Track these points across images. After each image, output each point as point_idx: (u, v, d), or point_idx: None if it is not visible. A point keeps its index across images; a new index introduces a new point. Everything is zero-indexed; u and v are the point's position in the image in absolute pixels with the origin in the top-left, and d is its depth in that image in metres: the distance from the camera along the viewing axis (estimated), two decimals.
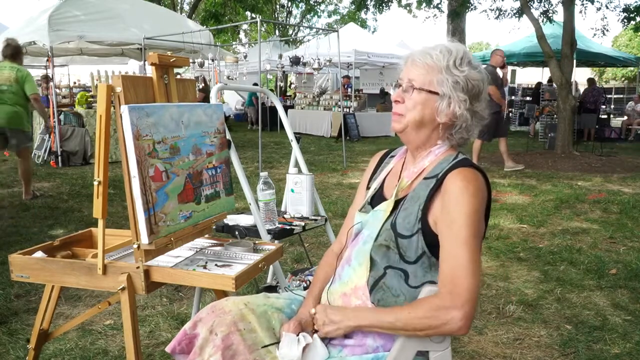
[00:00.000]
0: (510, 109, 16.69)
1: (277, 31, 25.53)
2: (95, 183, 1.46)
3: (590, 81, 14.27)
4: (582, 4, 12.26)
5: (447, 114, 1.31)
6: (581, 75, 19.74)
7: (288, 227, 2.23)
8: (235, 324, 1.29)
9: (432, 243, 1.27)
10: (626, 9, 12.68)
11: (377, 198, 1.44)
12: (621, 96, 19.97)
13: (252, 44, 19.34)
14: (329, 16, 27.55)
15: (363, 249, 1.35)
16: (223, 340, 1.26)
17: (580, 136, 11.99)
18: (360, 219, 1.43)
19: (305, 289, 2.15)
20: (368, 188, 1.52)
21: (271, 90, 19.39)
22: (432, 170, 1.34)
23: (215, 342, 1.26)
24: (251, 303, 1.38)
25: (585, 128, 12.22)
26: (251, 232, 2.17)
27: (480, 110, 1.35)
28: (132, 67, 13.30)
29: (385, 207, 1.36)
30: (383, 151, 1.60)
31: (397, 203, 1.34)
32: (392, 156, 1.54)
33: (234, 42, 23.88)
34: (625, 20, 12.92)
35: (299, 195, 2.40)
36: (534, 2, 12.34)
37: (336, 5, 27.32)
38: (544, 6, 12.24)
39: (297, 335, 1.31)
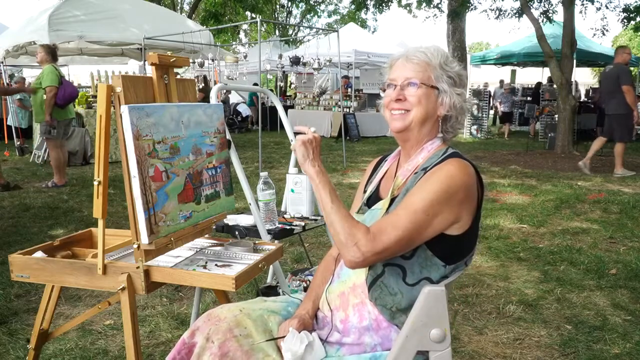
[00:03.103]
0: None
1: (277, 31, 25.53)
2: (95, 183, 1.46)
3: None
4: (582, 4, 12.27)
5: (447, 107, 1.37)
6: (581, 75, 19.71)
7: (288, 227, 2.23)
8: (230, 331, 1.30)
9: None
10: (626, 9, 12.69)
11: (374, 199, 1.46)
12: None
13: (252, 44, 19.33)
14: (329, 16, 27.56)
15: None
16: (220, 348, 1.26)
17: (595, 135, 12.06)
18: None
19: (305, 289, 2.16)
20: (365, 192, 1.54)
21: (271, 90, 19.38)
22: (423, 164, 1.37)
23: (212, 350, 1.27)
24: (246, 308, 1.39)
25: (599, 127, 12.29)
26: (251, 232, 2.17)
27: (467, 102, 1.42)
28: (132, 67, 13.28)
29: (381, 206, 1.38)
30: (378, 157, 1.63)
31: (393, 201, 1.37)
32: (386, 160, 1.57)
33: (234, 42, 23.88)
34: (625, 20, 12.94)
35: (299, 195, 2.40)
36: (534, 2, 12.35)
37: (336, 5, 27.33)
38: (544, 6, 12.26)
39: (300, 332, 1.32)
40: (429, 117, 1.38)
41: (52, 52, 6.11)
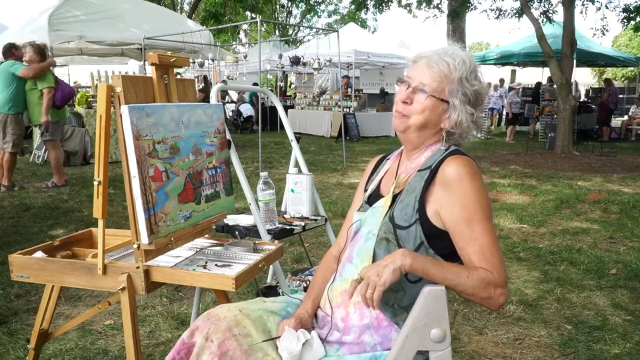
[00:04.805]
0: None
1: (277, 31, 25.53)
2: (95, 183, 1.46)
3: (608, 81, 14.21)
4: (583, 4, 12.26)
5: (452, 122, 1.35)
6: (581, 75, 19.67)
7: (288, 227, 2.23)
8: (230, 330, 1.30)
9: (430, 233, 1.29)
10: (626, 9, 12.69)
11: (374, 197, 1.46)
12: (621, 96, 19.95)
13: (252, 44, 19.33)
14: (329, 16, 27.56)
15: (365, 246, 1.36)
16: (219, 347, 1.26)
17: (600, 136, 12.19)
18: (358, 218, 1.45)
19: (305, 289, 2.16)
20: (366, 190, 1.54)
21: (271, 90, 19.36)
22: (425, 162, 1.37)
23: (211, 349, 1.26)
24: (246, 309, 1.39)
25: (605, 127, 12.40)
26: (251, 232, 2.17)
27: (479, 119, 1.39)
28: (132, 67, 13.29)
29: (383, 204, 1.38)
30: (380, 156, 1.63)
31: (395, 198, 1.37)
32: (388, 158, 1.57)
33: (234, 42, 23.88)
34: (625, 20, 12.93)
35: (299, 195, 2.40)
36: (534, 2, 12.34)
37: (336, 5, 27.33)
38: (544, 6, 12.26)
39: (297, 331, 1.32)
40: (430, 126, 1.36)
41: (41, 52, 6.02)
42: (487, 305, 1.24)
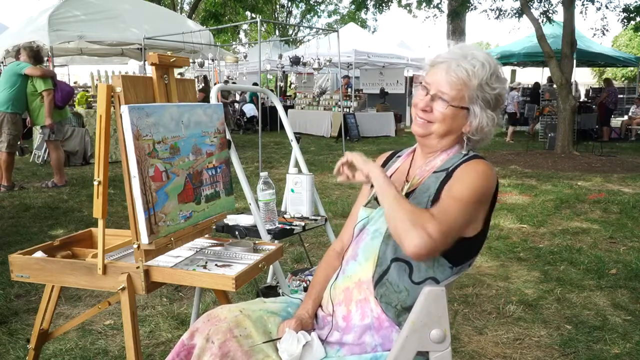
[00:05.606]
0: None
1: (277, 31, 25.54)
2: (95, 183, 1.46)
3: (608, 81, 14.22)
4: (583, 4, 12.26)
5: (473, 129, 1.36)
6: (581, 75, 19.67)
7: (288, 227, 2.23)
8: (230, 331, 1.29)
9: None
10: (626, 9, 12.69)
11: None
12: (621, 96, 19.94)
13: (252, 44, 19.33)
14: (329, 16, 27.60)
15: (371, 244, 1.36)
16: (220, 348, 1.26)
17: (600, 136, 12.22)
18: (365, 215, 1.44)
19: (305, 289, 2.16)
20: (372, 187, 1.53)
21: (271, 90, 19.34)
22: (442, 165, 1.37)
23: (212, 350, 1.26)
24: (246, 309, 1.38)
25: (605, 127, 12.44)
26: (251, 232, 2.17)
27: (499, 121, 1.41)
28: (132, 67, 13.30)
29: None
30: (388, 152, 1.61)
31: (406, 197, 1.36)
32: (399, 156, 1.56)
33: (234, 42, 23.88)
34: (625, 20, 12.94)
35: (299, 195, 2.40)
36: (534, 2, 12.34)
37: (336, 5, 27.35)
38: (544, 6, 12.25)
39: (297, 333, 1.32)
40: (452, 133, 1.37)
41: (34, 55, 6.03)
42: (405, 240, 1.18)
